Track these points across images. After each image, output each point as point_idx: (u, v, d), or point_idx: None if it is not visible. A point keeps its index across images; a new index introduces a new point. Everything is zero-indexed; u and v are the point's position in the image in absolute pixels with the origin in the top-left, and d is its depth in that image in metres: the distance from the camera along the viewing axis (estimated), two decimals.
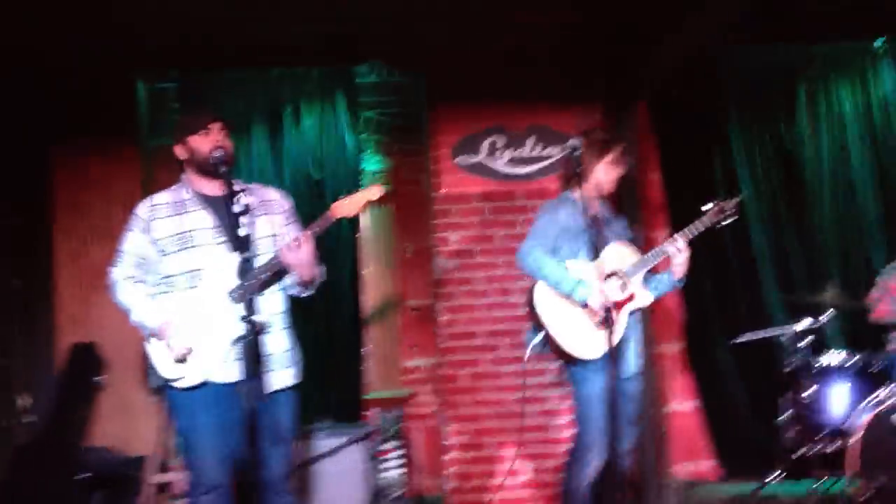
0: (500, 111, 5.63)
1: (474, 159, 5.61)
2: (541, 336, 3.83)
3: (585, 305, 3.73)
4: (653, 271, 3.94)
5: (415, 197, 5.66)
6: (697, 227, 3.79)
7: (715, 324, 5.74)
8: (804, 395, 4.66)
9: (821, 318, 4.87)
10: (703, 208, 3.80)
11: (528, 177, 5.50)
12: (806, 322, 4.79)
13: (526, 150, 5.60)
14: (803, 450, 4.69)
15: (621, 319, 3.77)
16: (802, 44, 6.01)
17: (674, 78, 5.56)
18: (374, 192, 3.41)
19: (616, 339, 3.64)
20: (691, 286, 5.64)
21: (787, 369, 4.84)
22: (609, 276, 3.76)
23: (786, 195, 5.99)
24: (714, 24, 4.75)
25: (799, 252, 5.91)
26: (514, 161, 5.62)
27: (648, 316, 5.39)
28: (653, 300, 3.87)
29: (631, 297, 3.81)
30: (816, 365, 4.76)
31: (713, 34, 4.96)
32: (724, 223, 3.80)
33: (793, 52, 6.08)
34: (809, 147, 6.08)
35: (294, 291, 3.52)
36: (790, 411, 4.82)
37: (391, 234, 5.70)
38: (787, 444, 4.80)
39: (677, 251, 3.79)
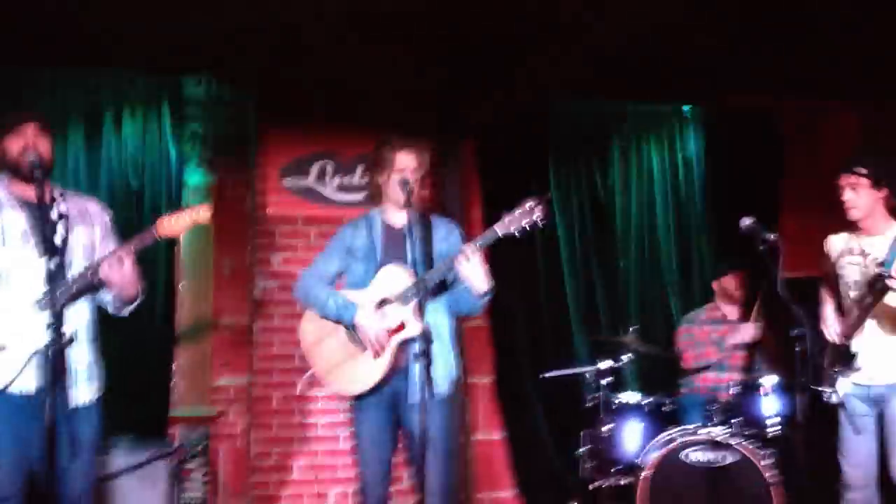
0: (331, 137, 5.67)
1: (303, 182, 5.60)
2: (309, 372, 3.78)
3: (353, 337, 3.60)
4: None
5: (238, 215, 5.57)
6: (493, 234, 3.43)
7: (525, 359, 5.93)
8: (602, 430, 4.89)
9: (621, 358, 5.15)
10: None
11: (356, 204, 5.53)
12: (607, 362, 5.04)
13: (355, 178, 5.65)
14: (599, 482, 4.92)
15: (390, 349, 3.54)
16: (619, 100, 6.39)
17: (500, 122, 5.79)
18: (203, 213, 3.31)
19: (383, 370, 3.54)
20: (504, 323, 5.89)
21: (588, 405, 5.07)
22: (381, 302, 3.59)
23: (597, 243, 6.28)
24: (536, 78, 4.98)
25: (604, 297, 6.22)
26: (343, 187, 5.65)
27: (462, 347, 5.55)
28: (427, 325, 3.34)
29: (402, 326, 3.54)
30: (614, 403, 5.01)
31: (536, 87, 5.20)
32: (530, 227, 3.40)
33: (610, 108, 6.44)
34: (620, 199, 6.40)
35: (112, 309, 3.41)
36: (589, 445, 5.04)
37: (210, 250, 5.57)
38: (584, 477, 5.02)
39: (466, 261, 3.41)
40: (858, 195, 4.03)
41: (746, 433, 4.69)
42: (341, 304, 3.63)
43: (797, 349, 4.27)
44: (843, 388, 4.00)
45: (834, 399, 4.00)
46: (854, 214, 4.08)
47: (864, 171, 4.03)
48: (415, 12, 4.85)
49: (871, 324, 3.99)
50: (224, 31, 5.01)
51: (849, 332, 4.03)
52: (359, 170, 5.62)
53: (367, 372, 3.57)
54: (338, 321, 3.65)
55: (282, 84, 5.53)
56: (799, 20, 4.77)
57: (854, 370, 3.98)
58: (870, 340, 3.99)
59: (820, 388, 4.08)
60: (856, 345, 4.00)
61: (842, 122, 6.46)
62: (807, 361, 4.26)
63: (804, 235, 6.26)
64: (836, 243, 4.23)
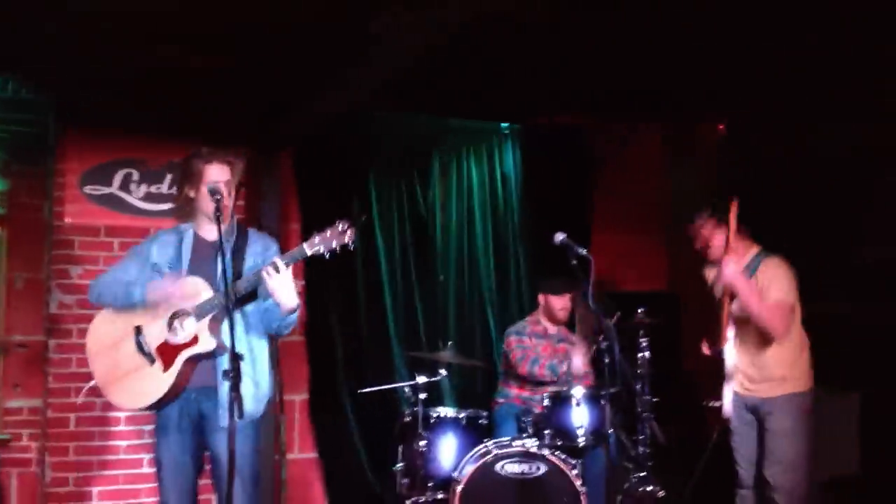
0: (138, 144, 5.40)
1: (105, 190, 5.30)
2: (91, 383, 3.59)
3: (141, 348, 3.44)
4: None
5: (33, 224, 5.24)
6: (300, 253, 3.37)
7: (342, 375, 5.83)
8: (418, 445, 4.85)
9: (438, 373, 5.13)
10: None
11: (164, 214, 5.27)
12: (423, 376, 5.00)
13: (164, 187, 5.39)
14: (415, 498, 4.86)
15: (177, 364, 3.39)
16: (440, 116, 6.41)
17: (321, 133, 5.67)
18: None
19: (168, 385, 3.39)
20: (321, 338, 5.76)
21: (404, 421, 5.03)
22: (175, 314, 3.44)
23: (417, 257, 6.26)
24: (358, 87, 4.92)
25: (424, 311, 6.20)
26: (150, 197, 5.38)
27: (277, 364, 5.39)
28: (219, 343, 3.36)
29: (195, 341, 3.41)
30: (431, 417, 4.98)
31: (358, 97, 5.13)
32: (340, 248, 3.36)
33: (431, 123, 6.46)
34: (440, 214, 6.43)
35: None
36: (405, 461, 4.99)
37: (1, 263, 5.17)
38: (400, 493, 4.96)
39: (274, 274, 3.32)
40: (711, 237, 4.31)
41: (557, 444, 4.78)
42: (131, 290, 3.50)
43: (605, 360, 4.44)
44: (727, 397, 4.29)
45: (725, 412, 4.29)
46: (714, 254, 4.34)
47: (706, 213, 4.33)
48: (232, 18, 4.67)
49: (736, 335, 4.29)
50: (21, 27, 4.65)
51: (718, 345, 4.31)
52: (168, 178, 5.36)
53: (151, 387, 3.40)
54: (132, 306, 3.48)
55: (84, 85, 5.19)
56: (607, 43, 4.93)
57: (728, 379, 4.28)
58: (739, 351, 4.29)
59: (712, 403, 4.36)
60: (728, 355, 4.29)
61: (646, 142, 6.76)
62: (614, 371, 4.42)
63: (614, 251, 6.55)
64: (709, 272, 4.50)
